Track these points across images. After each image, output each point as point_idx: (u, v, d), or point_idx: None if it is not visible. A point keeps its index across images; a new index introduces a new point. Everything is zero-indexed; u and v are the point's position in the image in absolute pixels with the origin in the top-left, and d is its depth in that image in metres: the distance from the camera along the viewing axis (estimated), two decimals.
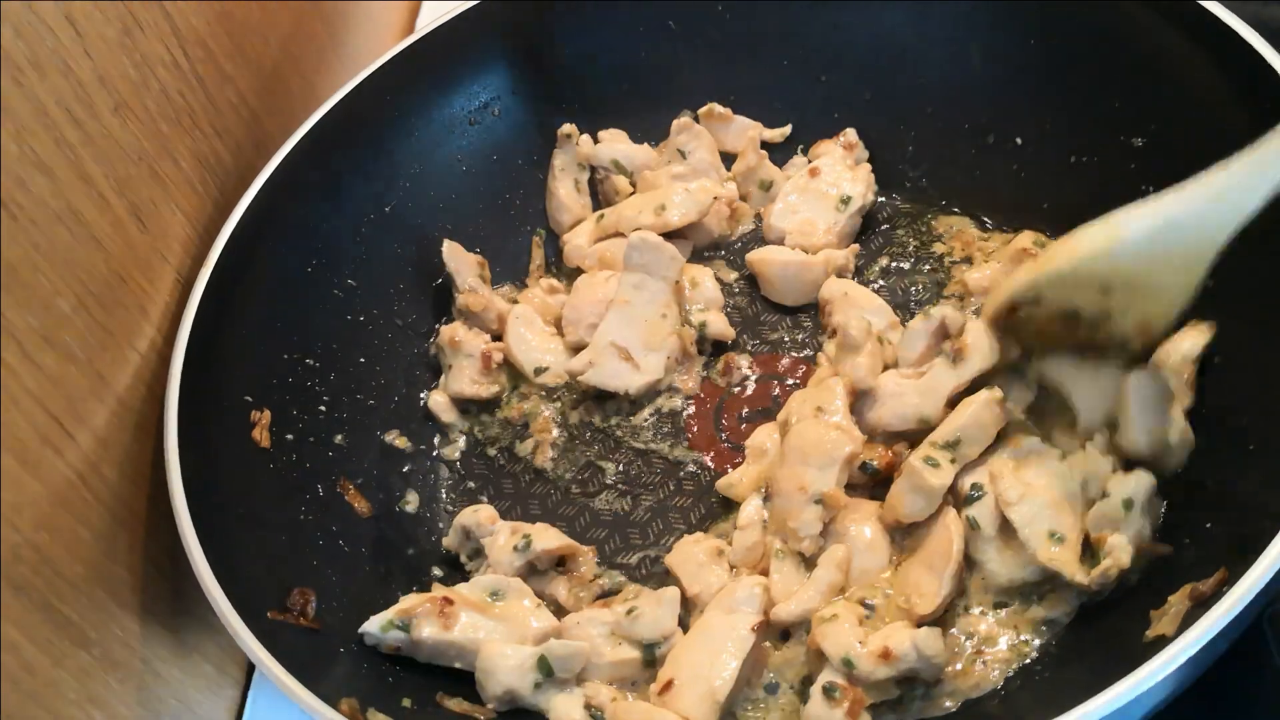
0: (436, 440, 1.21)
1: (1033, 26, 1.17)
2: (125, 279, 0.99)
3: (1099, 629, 0.90)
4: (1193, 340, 0.93)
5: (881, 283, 1.23)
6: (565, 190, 1.32)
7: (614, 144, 1.33)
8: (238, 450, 1.04)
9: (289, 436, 1.08)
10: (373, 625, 0.97)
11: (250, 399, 1.07)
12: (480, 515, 1.09)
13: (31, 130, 0.87)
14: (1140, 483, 0.91)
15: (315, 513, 1.06)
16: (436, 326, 1.25)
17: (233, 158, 1.17)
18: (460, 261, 1.24)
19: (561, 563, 1.08)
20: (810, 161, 1.30)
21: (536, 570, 1.06)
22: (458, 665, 0.98)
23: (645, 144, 1.35)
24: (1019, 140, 1.21)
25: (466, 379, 1.20)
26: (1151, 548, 0.89)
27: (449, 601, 0.98)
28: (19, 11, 0.86)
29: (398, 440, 1.18)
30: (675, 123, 1.31)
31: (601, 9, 1.31)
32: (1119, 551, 0.87)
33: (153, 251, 1.04)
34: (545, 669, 0.94)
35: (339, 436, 1.13)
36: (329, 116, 1.19)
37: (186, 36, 1.09)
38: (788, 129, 1.34)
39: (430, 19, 1.29)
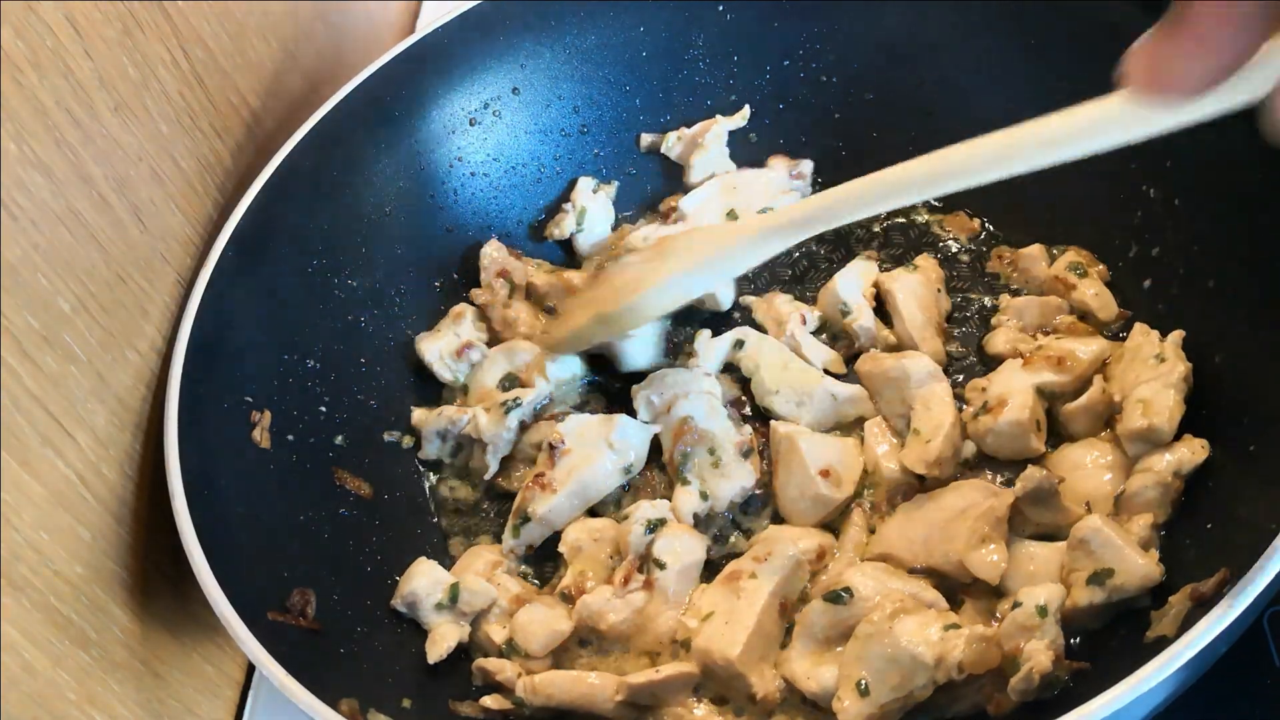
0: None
1: (1032, 26, 1.17)
2: (125, 279, 0.99)
3: (1099, 630, 0.90)
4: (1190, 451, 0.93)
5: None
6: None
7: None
8: (238, 450, 1.03)
9: (289, 437, 1.08)
10: (506, 537, 1.08)
11: (250, 399, 1.06)
12: (446, 413, 1.15)
13: (31, 130, 0.87)
14: (1053, 592, 0.87)
15: (315, 513, 1.06)
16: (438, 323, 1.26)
17: (233, 158, 1.17)
18: (491, 259, 1.24)
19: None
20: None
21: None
22: (584, 514, 1.08)
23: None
24: None
25: (437, 349, 1.20)
26: (1068, 664, 0.84)
27: (540, 474, 1.08)
28: (19, 11, 0.86)
29: (399, 440, 1.18)
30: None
31: (602, 9, 1.31)
32: (1039, 655, 0.83)
33: (153, 251, 1.04)
34: (453, 595, 1.01)
35: (339, 437, 1.13)
36: (329, 116, 1.19)
37: (186, 36, 1.09)
38: (746, 111, 1.33)
39: (430, 19, 1.28)
